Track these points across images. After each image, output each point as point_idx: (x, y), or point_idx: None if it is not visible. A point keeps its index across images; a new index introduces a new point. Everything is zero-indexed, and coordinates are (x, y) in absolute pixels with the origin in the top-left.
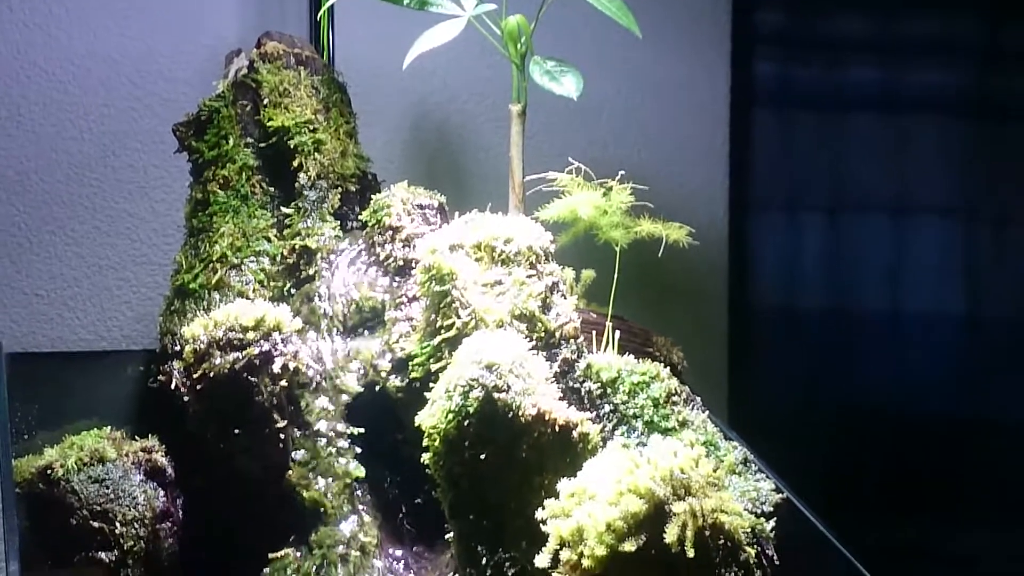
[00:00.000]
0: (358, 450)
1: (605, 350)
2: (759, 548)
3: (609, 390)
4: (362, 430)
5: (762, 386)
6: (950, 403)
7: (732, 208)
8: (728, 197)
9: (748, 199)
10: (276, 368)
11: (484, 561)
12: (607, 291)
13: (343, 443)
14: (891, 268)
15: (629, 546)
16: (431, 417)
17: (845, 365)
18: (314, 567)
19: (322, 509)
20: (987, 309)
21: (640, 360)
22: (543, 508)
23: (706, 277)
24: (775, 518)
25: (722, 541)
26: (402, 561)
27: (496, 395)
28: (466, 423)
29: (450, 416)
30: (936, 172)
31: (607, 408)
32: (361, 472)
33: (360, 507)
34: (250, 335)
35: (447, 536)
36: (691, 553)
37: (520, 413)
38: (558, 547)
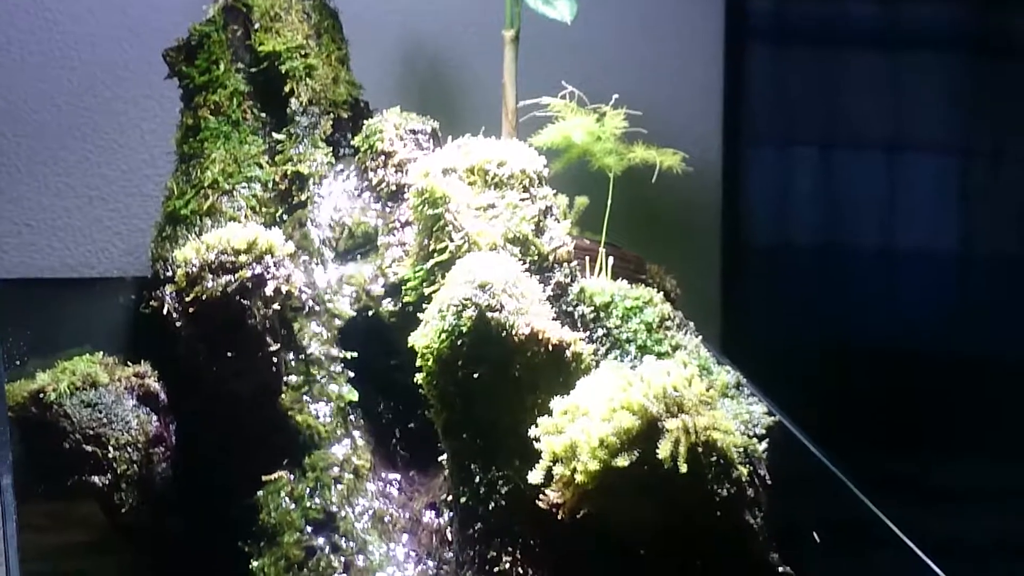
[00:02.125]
0: (351, 375)
1: (598, 276)
2: (751, 467)
3: (602, 314)
4: (355, 354)
5: (754, 320)
6: (944, 338)
7: (726, 142)
8: (722, 131)
9: (742, 134)
10: (269, 291)
11: (477, 479)
12: (599, 219)
13: (336, 367)
14: (886, 204)
15: (622, 461)
16: (424, 337)
17: (839, 300)
18: (308, 489)
19: (315, 432)
20: (982, 245)
21: (633, 286)
22: (536, 426)
23: (699, 211)
24: (767, 440)
25: (715, 458)
26: (395, 484)
27: (489, 314)
28: (459, 342)
29: (443, 336)
30: (933, 108)
31: (600, 332)
32: (354, 396)
33: (353, 431)
34: (242, 258)
35: (440, 459)
36: (684, 469)
37: (513, 332)
38: (551, 463)
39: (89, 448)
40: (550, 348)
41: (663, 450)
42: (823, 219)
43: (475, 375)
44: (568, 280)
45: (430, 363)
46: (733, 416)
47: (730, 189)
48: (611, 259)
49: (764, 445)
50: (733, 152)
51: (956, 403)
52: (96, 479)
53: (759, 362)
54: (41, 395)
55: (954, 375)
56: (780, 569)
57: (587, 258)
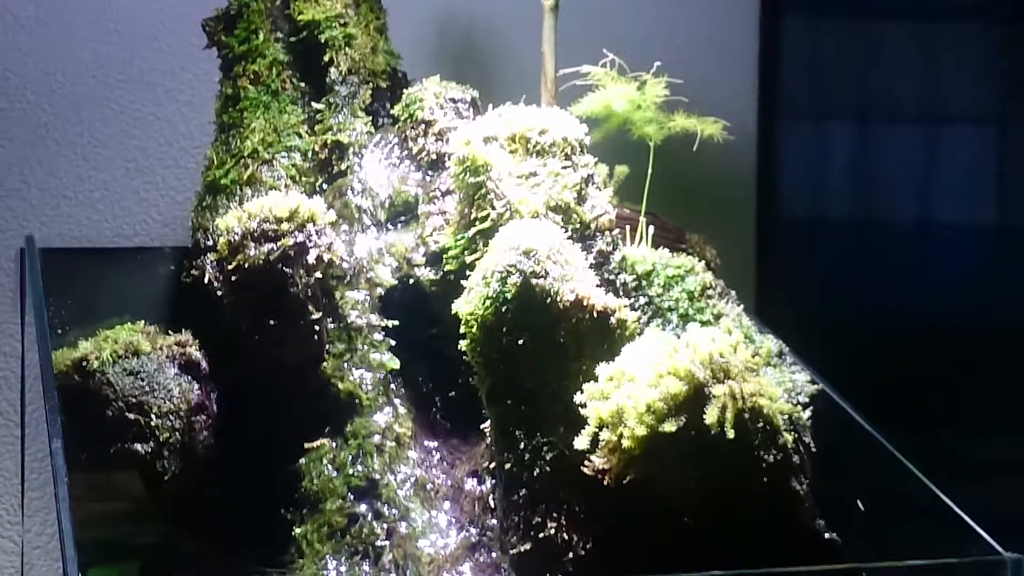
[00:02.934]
0: (392, 343)
1: (639, 245)
2: (796, 435)
3: (644, 283)
4: (396, 323)
5: (790, 294)
6: (979, 313)
7: (761, 115)
8: (758, 104)
9: (778, 106)
10: (311, 259)
11: (522, 446)
12: (638, 190)
13: (377, 336)
14: (922, 177)
15: (669, 427)
16: (468, 304)
17: (874, 275)
18: (349, 457)
19: (357, 400)
20: (1018, 219)
21: (674, 255)
22: (581, 392)
23: (734, 184)
24: (811, 408)
25: (761, 424)
26: (437, 453)
27: (534, 281)
28: (504, 309)
29: (487, 302)
30: (970, 80)
31: (642, 301)
32: (396, 364)
33: (395, 399)
34: (284, 226)
35: (482, 427)
36: (731, 434)
37: (558, 299)
38: (597, 429)
39: (132, 416)
40: (595, 314)
41: (710, 415)
42: (858, 192)
43: (519, 342)
44: (610, 249)
45: (474, 330)
46: (777, 384)
47: (765, 162)
48: (652, 228)
49: (808, 413)
50: (769, 124)
51: (990, 377)
52: (139, 447)
53: (792, 335)
54: (84, 363)
55: (988, 349)
56: (826, 535)
57: (628, 227)
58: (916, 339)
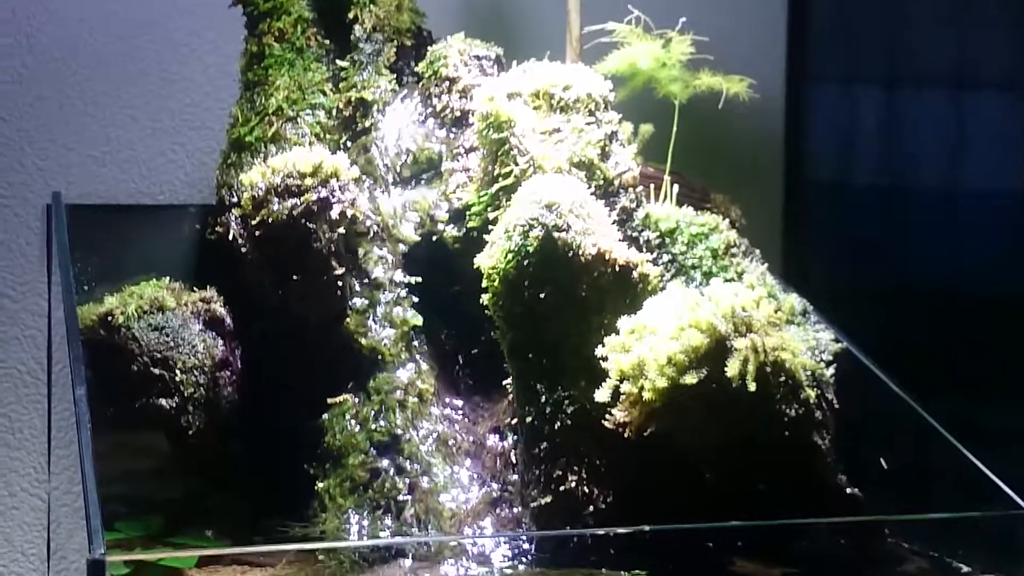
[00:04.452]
0: (415, 300)
1: (663, 203)
2: (819, 391)
3: (667, 240)
4: (419, 280)
5: (816, 260)
6: (1005, 280)
7: (789, 77)
8: (786, 65)
9: (806, 68)
10: (334, 215)
11: (543, 399)
12: (663, 150)
13: (401, 292)
14: (950, 142)
15: (690, 379)
16: (490, 258)
17: (902, 240)
18: (372, 412)
19: (380, 356)
20: None
21: (699, 213)
22: (603, 346)
23: (761, 146)
24: (835, 366)
25: (783, 379)
26: (459, 410)
27: (556, 234)
28: (525, 262)
29: (509, 256)
30: (1000, 44)
31: (665, 258)
32: (419, 320)
33: (417, 356)
34: (308, 181)
35: (504, 384)
36: (752, 387)
37: (580, 252)
38: (618, 381)
39: (156, 371)
40: (617, 268)
41: (731, 368)
42: (886, 157)
43: (541, 295)
44: (633, 205)
45: (496, 284)
46: (801, 342)
47: (793, 124)
48: (676, 187)
49: (831, 371)
50: (796, 87)
51: (1014, 344)
52: (163, 402)
53: (817, 298)
54: (109, 318)
55: (1012, 316)
56: (848, 491)
57: (652, 186)
58: (941, 305)
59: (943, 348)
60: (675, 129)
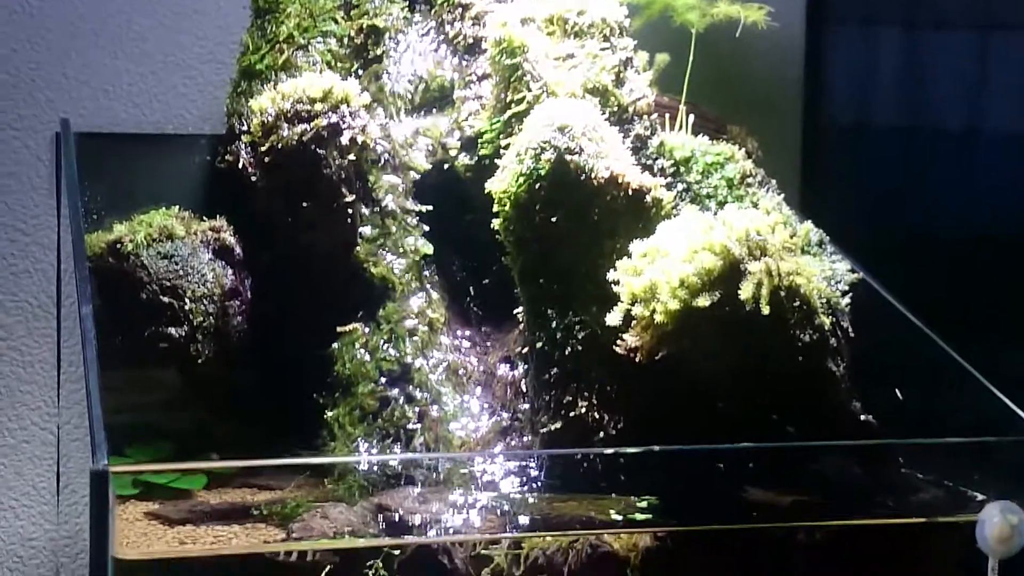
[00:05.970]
0: (426, 228)
1: (678, 132)
2: (834, 319)
3: (682, 168)
4: (430, 208)
5: (834, 203)
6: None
7: (809, 16)
8: (805, 10)
9: (826, 6)
10: (344, 141)
11: (554, 324)
12: (679, 82)
13: (411, 220)
14: (971, 85)
15: (703, 301)
16: (501, 182)
17: (922, 185)
18: (382, 340)
19: (390, 285)
20: None
21: (714, 143)
22: (615, 270)
23: (780, 89)
24: (850, 295)
25: (797, 303)
26: (469, 339)
27: (568, 157)
28: (537, 186)
29: (521, 179)
30: None
31: (680, 187)
32: (429, 249)
33: (428, 285)
34: (318, 107)
35: (515, 313)
36: (766, 311)
37: (592, 176)
38: (630, 305)
39: (166, 299)
40: (630, 192)
41: (745, 291)
42: (907, 98)
43: (553, 219)
44: (648, 133)
45: (507, 208)
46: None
47: (813, 64)
48: (691, 116)
49: (847, 300)
50: (817, 24)
51: None
52: (172, 330)
53: (834, 238)
54: (118, 246)
55: None
56: (862, 417)
57: (667, 115)
58: (961, 248)
59: (964, 291)
60: (691, 58)
